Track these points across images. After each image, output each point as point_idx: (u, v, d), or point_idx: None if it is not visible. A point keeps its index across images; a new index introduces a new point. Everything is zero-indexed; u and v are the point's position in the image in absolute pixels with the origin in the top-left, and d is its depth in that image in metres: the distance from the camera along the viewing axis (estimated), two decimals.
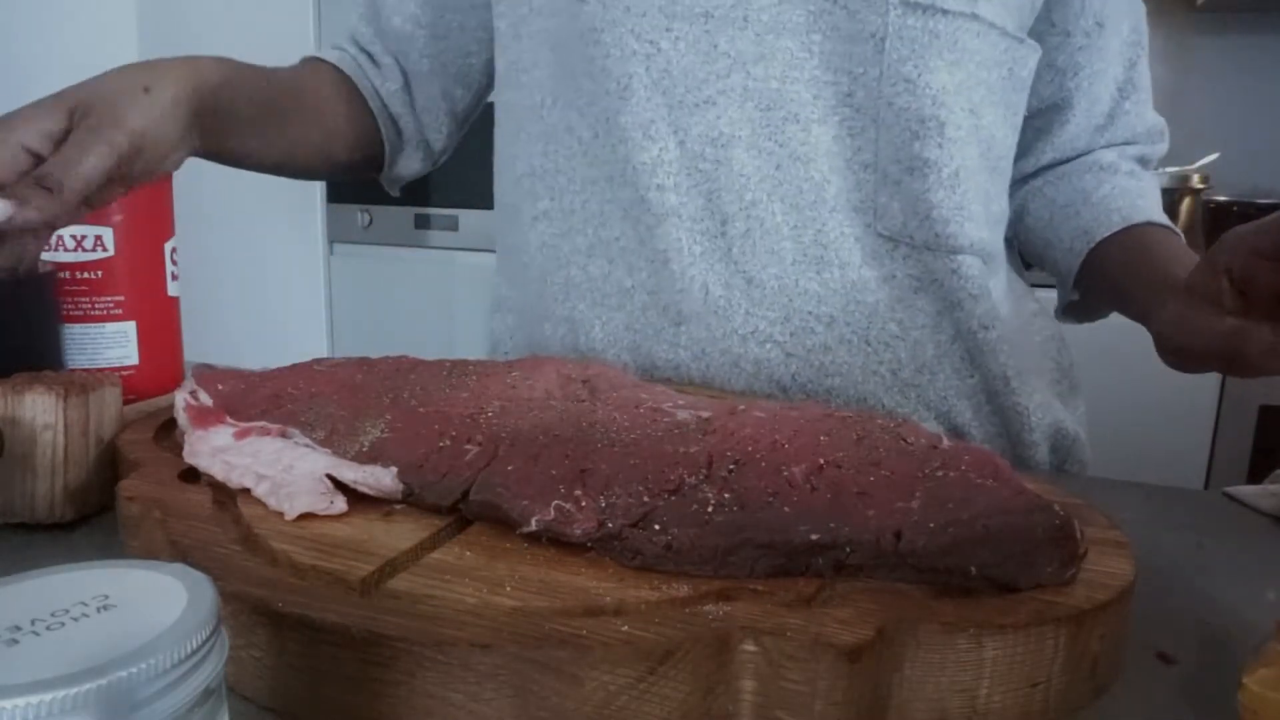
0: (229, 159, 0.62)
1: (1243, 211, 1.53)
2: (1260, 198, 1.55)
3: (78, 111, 0.49)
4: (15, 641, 0.19)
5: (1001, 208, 0.66)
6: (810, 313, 0.59)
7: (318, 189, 2.07)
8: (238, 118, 0.60)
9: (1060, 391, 0.68)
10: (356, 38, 0.74)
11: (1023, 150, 0.70)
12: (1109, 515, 0.41)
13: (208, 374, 0.50)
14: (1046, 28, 0.66)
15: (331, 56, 0.72)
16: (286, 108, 0.66)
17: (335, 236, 2.18)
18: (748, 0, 0.57)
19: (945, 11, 0.56)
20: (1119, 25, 0.66)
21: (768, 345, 0.60)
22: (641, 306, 0.62)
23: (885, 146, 0.58)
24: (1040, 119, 0.70)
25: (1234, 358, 0.44)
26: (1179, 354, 0.50)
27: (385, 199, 2.15)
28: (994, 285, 0.64)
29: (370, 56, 0.73)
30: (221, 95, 0.57)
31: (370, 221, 2.15)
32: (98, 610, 0.20)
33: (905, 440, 0.40)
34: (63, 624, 0.20)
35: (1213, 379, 1.60)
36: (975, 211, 0.61)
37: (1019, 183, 0.72)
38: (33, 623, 0.20)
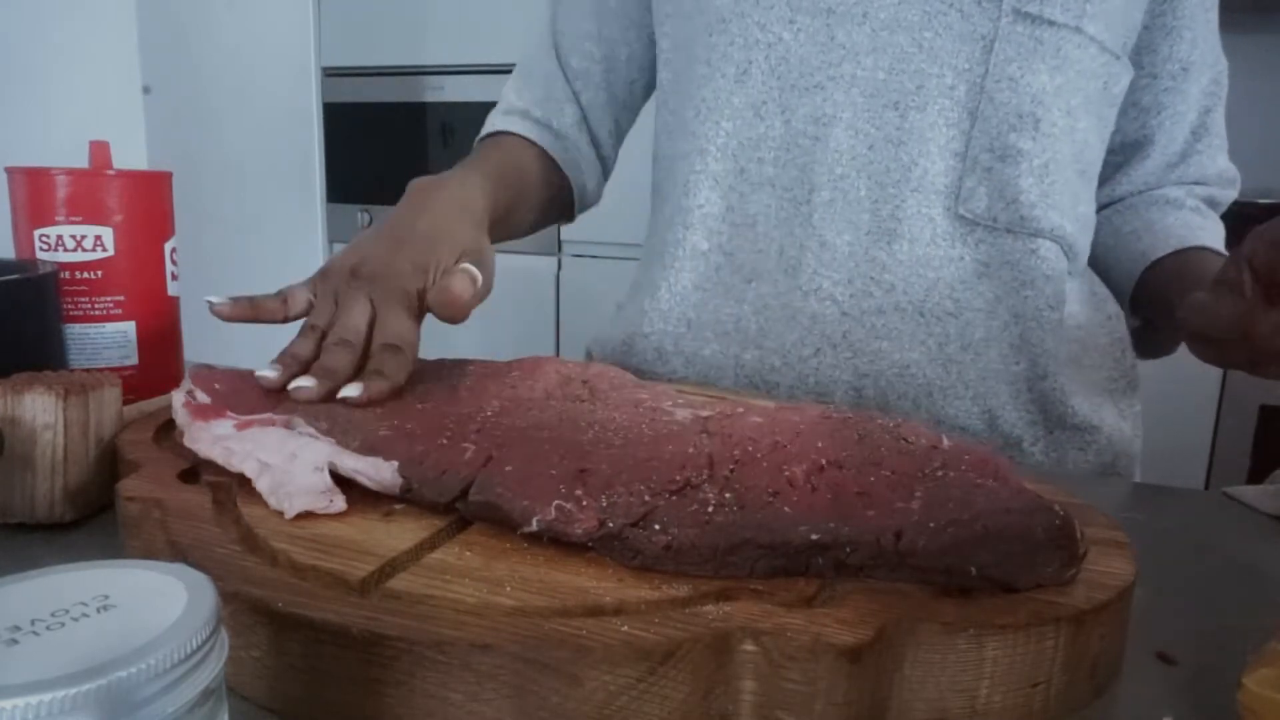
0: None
1: (1243, 211, 1.53)
2: (1261, 197, 1.55)
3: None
4: (15, 641, 0.19)
5: (1089, 212, 0.69)
6: (872, 278, 0.64)
7: (317, 189, 2.07)
8: (496, 223, 0.67)
9: (1115, 390, 0.71)
10: (542, 83, 0.79)
11: (1100, 181, 0.73)
12: (1109, 515, 0.41)
13: (205, 374, 0.49)
14: (1136, 71, 0.69)
15: (519, 128, 0.77)
16: (518, 203, 0.73)
17: (335, 236, 2.17)
18: None
19: (1052, 23, 0.60)
20: (1201, 74, 0.70)
21: (827, 302, 0.65)
22: (715, 267, 0.69)
23: (979, 136, 0.62)
24: (1121, 154, 0.74)
25: (1242, 338, 0.45)
26: (1196, 339, 0.51)
27: (385, 199, 2.15)
28: (1072, 278, 0.67)
29: (550, 109, 0.79)
30: (493, 216, 0.65)
31: (370, 221, 2.15)
32: (98, 610, 0.20)
33: (905, 440, 0.40)
34: (63, 624, 0.20)
35: (1213, 380, 1.60)
36: (1062, 204, 0.65)
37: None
38: (33, 623, 0.20)
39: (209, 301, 0.52)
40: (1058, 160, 0.63)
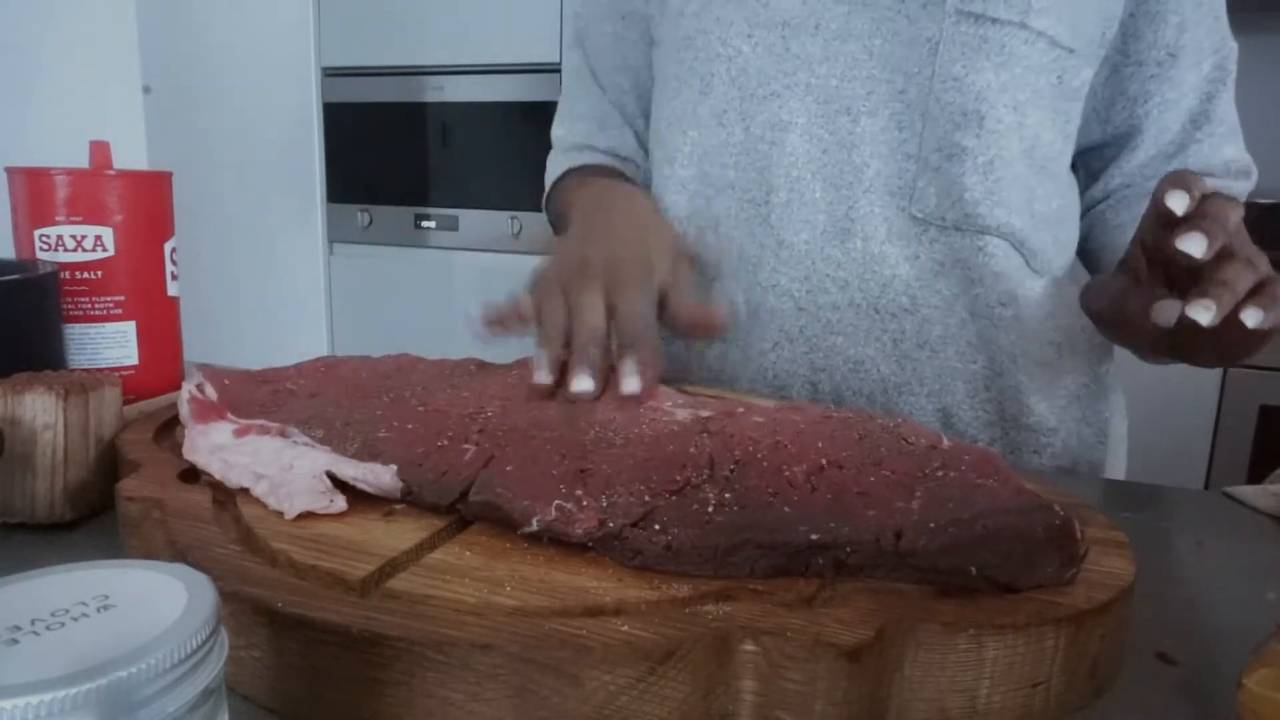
0: None
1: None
2: (1261, 197, 1.55)
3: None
4: (15, 641, 0.19)
5: (1052, 209, 0.68)
6: (828, 275, 0.66)
7: (317, 189, 2.07)
8: None
9: (1082, 395, 0.70)
10: (594, 116, 0.82)
11: (1094, 176, 0.73)
12: (1109, 515, 0.41)
13: (216, 372, 0.50)
14: (1121, 60, 0.68)
15: (593, 159, 0.80)
16: None
17: (335, 236, 2.17)
18: (821, 10, 0.64)
19: (995, 20, 0.61)
20: (1199, 60, 0.68)
21: (784, 298, 0.67)
22: None
23: (929, 137, 0.63)
24: (1113, 146, 0.72)
25: (1121, 316, 0.47)
26: (1095, 319, 0.54)
27: (385, 199, 2.15)
28: (1038, 276, 0.67)
29: (612, 137, 0.82)
30: None
31: (370, 221, 2.15)
32: (98, 610, 0.20)
33: (905, 440, 0.40)
34: (63, 624, 0.20)
35: (1213, 380, 1.60)
36: (1011, 200, 0.64)
37: (1088, 208, 0.74)
38: (33, 623, 0.20)
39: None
40: (1004, 157, 0.63)
